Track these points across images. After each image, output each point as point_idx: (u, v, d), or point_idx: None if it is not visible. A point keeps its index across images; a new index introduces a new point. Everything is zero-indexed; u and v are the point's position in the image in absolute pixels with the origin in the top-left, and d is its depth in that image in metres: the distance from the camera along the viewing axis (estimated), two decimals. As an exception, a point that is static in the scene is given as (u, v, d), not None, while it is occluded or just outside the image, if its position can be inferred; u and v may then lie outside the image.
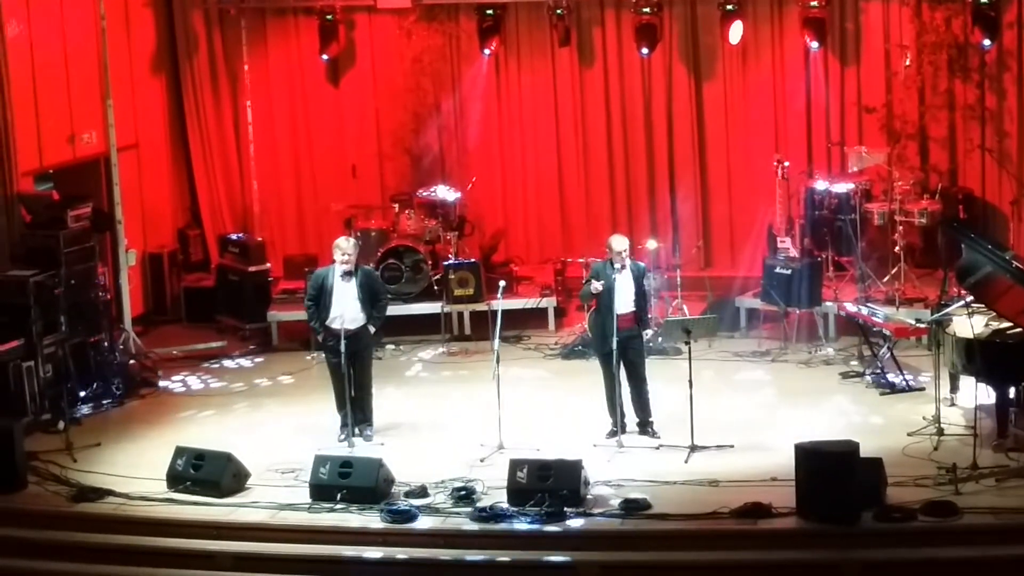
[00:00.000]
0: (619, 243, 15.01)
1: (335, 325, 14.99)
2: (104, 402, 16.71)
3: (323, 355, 15.69)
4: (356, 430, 15.13)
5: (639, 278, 15.01)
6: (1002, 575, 12.31)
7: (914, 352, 16.93)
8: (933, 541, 12.55)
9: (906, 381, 16.16)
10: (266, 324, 19.14)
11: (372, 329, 15.19)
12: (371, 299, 15.14)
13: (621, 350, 14.85)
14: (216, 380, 17.86)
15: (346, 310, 15.00)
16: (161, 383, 17.57)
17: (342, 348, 14.78)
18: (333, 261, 15.21)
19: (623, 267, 14.88)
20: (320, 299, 15.14)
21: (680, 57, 20.24)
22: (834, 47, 19.79)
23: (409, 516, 13.24)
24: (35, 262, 16.54)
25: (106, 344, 17.24)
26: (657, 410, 15.13)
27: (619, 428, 14.86)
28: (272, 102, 20.97)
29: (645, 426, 15.05)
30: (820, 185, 18.94)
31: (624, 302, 14.86)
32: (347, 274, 15.05)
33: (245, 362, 18.55)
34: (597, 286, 14.79)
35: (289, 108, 21.03)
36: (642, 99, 20.42)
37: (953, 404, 15.26)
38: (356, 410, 15.19)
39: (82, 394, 16.52)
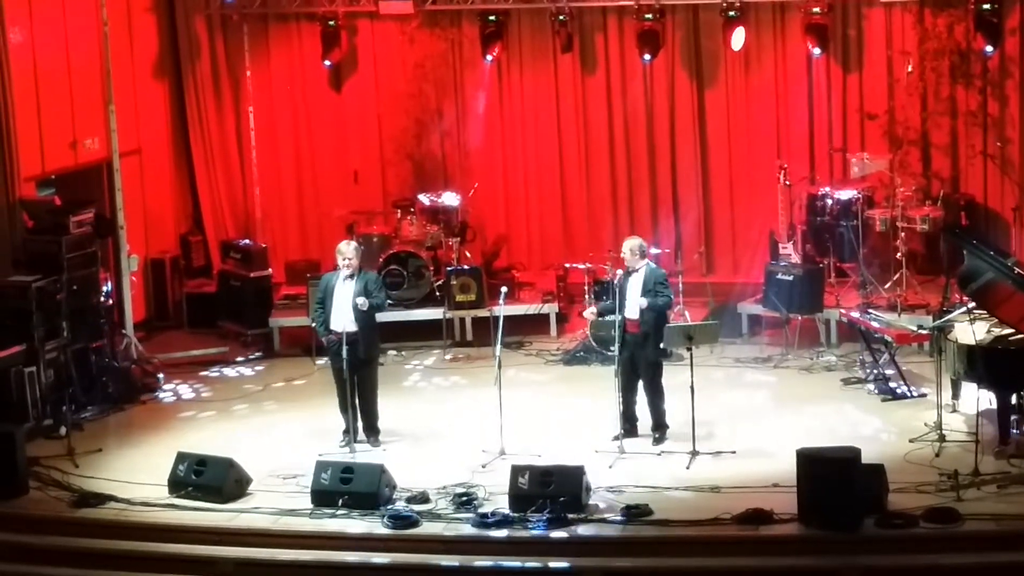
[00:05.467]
0: (624, 246, 15.07)
1: (336, 328, 15.00)
2: (105, 407, 16.70)
3: (327, 360, 15.70)
4: (366, 440, 15.16)
5: (646, 283, 14.87)
6: (1003, 582, 12.34)
7: (916, 358, 16.95)
8: (935, 548, 12.54)
9: (908, 387, 16.15)
10: (268, 330, 19.13)
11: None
12: None
13: (631, 356, 14.89)
14: (218, 386, 17.86)
15: (346, 314, 15.00)
16: (162, 389, 17.59)
17: (344, 352, 14.79)
18: (337, 266, 15.25)
19: (632, 271, 14.90)
20: (325, 302, 15.19)
21: (682, 63, 20.21)
22: (836, 53, 19.77)
23: (411, 522, 13.22)
24: (37, 268, 16.53)
25: (108, 350, 17.24)
26: (659, 417, 15.14)
27: (622, 433, 14.83)
28: (274, 108, 20.96)
29: (655, 431, 15.01)
30: (822, 191, 18.94)
31: (632, 307, 14.86)
32: (349, 278, 15.09)
33: (246, 368, 18.55)
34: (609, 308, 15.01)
35: (291, 114, 21.02)
36: (644, 105, 20.39)
37: (955, 410, 15.24)
38: (363, 422, 15.23)
39: (83, 399, 16.49)
